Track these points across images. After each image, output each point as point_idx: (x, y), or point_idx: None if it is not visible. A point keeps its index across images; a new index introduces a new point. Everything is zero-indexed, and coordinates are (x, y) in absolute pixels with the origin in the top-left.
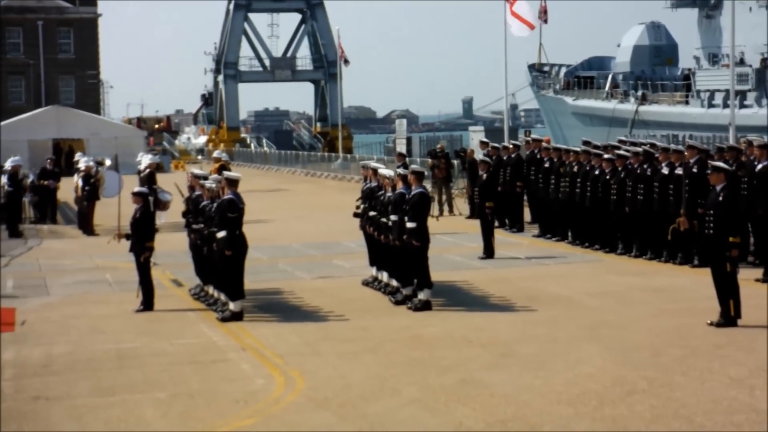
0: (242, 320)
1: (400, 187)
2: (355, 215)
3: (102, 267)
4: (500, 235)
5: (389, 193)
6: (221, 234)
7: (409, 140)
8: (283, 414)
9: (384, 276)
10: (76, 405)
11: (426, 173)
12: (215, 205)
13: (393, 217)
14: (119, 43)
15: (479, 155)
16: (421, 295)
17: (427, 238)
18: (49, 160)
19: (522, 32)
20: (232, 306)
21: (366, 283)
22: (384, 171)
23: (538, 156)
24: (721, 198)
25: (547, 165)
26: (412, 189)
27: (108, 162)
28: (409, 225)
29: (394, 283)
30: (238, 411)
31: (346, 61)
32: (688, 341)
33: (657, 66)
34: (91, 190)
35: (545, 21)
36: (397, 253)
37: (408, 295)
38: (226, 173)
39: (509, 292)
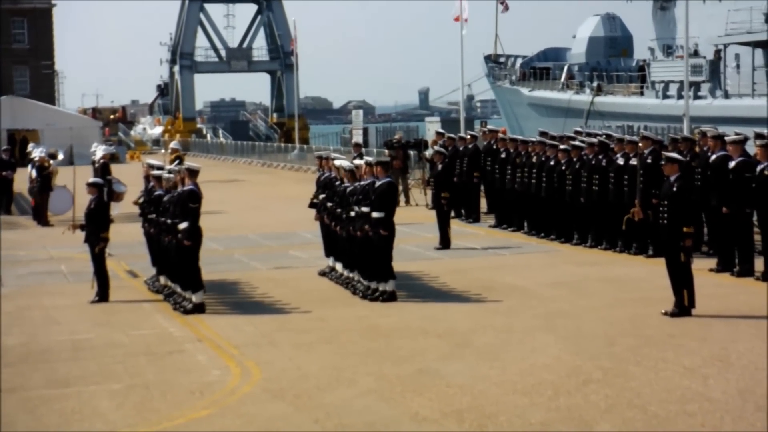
0: (205, 312)
1: (375, 176)
2: (311, 205)
3: (57, 258)
4: (456, 226)
5: (348, 184)
6: (183, 225)
7: (365, 131)
8: (239, 405)
9: (339, 266)
10: (29, 397)
11: None
12: (176, 195)
13: (366, 208)
14: (74, 33)
15: (435, 146)
16: (386, 286)
17: (394, 228)
18: (5, 151)
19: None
20: (194, 298)
21: (322, 274)
22: (339, 162)
23: (495, 147)
24: (675, 188)
25: (503, 156)
26: (378, 179)
27: (61, 155)
28: (376, 215)
29: (348, 273)
30: (194, 402)
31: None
32: (643, 331)
33: (612, 57)
34: (45, 181)
35: (506, 8)
36: (359, 245)
37: (374, 288)
38: (187, 163)
39: (465, 282)
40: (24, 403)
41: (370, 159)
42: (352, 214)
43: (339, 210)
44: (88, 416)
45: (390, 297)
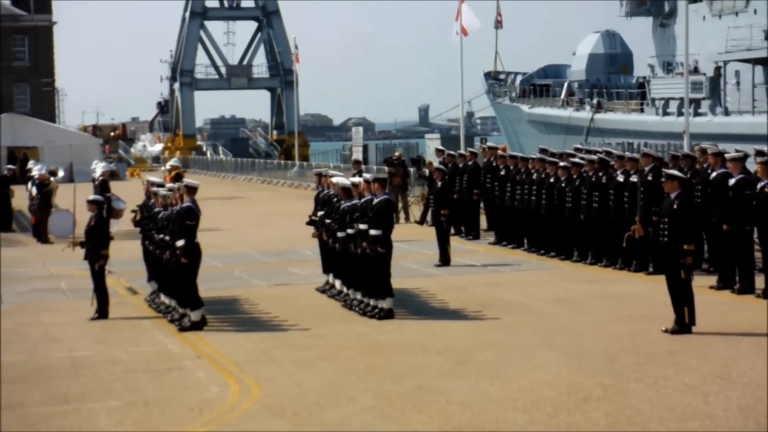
0: (203, 329)
1: (373, 193)
2: (309, 223)
3: (56, 275)
4: (456, 243)
5: (344, 201)
6: (180, 242)
7: (365, 148)
8: (239, 422)
9: (338, 283)
10: (29, 413)
11: None
12: (173, 212)
13: (362, 226)
14: (75, 50)
15: (435, 163)
16: (383, 304)
17: (391, 245)
18: (9, 169)
19: (463, 33)
20: (192, 315)
21: (322, 291)
22: (336, 179)
23: (495, 164)
24: (675, 206)
25: (503, 173)
26: (375, 196)
27: (61, 172)
28: (374, 232)
29: (346, 291)
30: (193, 419)
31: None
32: (643, 348)
33: (612, 74)
34: (45, 198)
35: (500, 26)
36: (358, 262)
37: (373, 306)
38: (186, 180)
39: (465, 299)
40: (23, 420)
41: (368, 176)
42: (350, 231)
43: (336, 227)
44: None
45: (387, 314)
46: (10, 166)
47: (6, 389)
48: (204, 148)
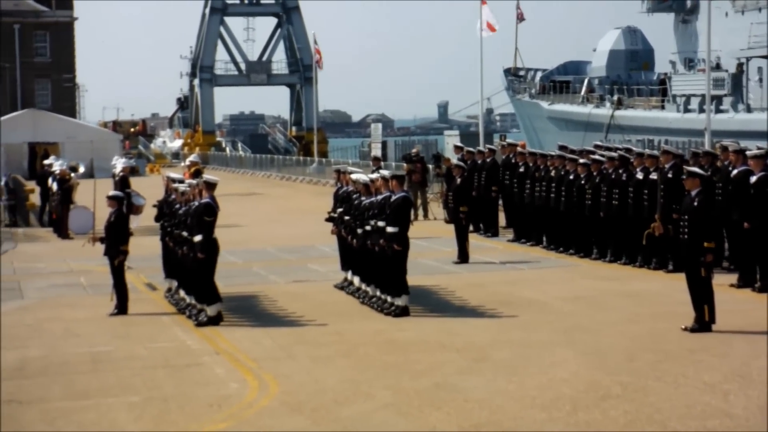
0: (219, 324)
1: (385, 190)
2: (328, 219)
3: (76, 270)
4: (475, 240)
5: (364, 198)
6: (198, 238)
7: (384, 144)
8: (257, 418)
9: (356, 280)
10: (49, 409)
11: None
12: (192, 208)
13: (381, 223)
14: (95, 46)
15: (454, 159)
16: (399, 301)
17: (408, 243)
18: (46, 165)
19: (486, 32)
20: (209, 310)
21: (340, 287)
22: (357, 176)
23: (514, 160)
24: (695, 203)
25: (522, 170)
26: (393, 193)
27: (82, 168)
28: (391, 229)
29: (364, 287)
30: (212, 415)
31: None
32: (663, 346)
33: (633, 71)
34: (65, 194)
35: (521, 20)
36: (377, 259)
37: (390, 302)
38: (205, 176)
39: (484, 296)
40: (43, 415)
41: (385, 173)
42: (367, 228)
43: (355, 224)
44: (106, 428)
45: (402, 312)
46: (47, 161)
47: (26, 384)
48: (223, 144)
